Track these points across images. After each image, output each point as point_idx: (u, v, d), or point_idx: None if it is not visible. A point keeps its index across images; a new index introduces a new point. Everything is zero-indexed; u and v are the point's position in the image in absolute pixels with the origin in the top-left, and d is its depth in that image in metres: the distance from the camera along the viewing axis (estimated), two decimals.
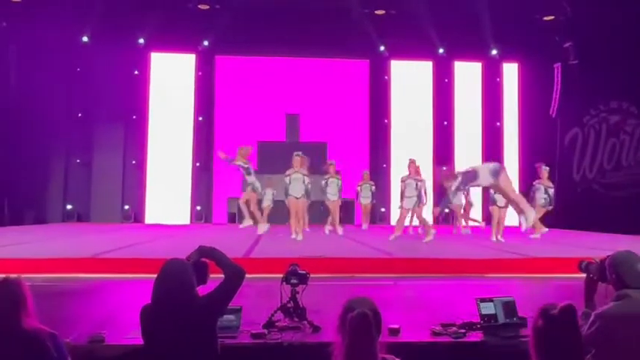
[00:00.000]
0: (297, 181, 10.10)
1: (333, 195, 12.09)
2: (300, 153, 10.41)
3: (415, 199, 10.65)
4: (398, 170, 13.70)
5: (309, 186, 10.27)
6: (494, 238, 10.49)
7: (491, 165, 9.42)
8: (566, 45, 15.57)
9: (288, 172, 10.26)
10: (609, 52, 13.96)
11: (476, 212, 14.75)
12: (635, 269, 2.80)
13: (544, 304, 2.33)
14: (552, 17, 14.42)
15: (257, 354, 3.39)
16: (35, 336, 2.44)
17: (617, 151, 14.41)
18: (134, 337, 3.19)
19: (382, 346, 2.40)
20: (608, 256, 2.96)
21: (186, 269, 2.89)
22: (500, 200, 10.71)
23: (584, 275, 3.09)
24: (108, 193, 16.69)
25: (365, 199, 14.12)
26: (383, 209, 17.02)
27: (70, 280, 6.18)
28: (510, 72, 18.15)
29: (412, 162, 10.95)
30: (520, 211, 9.27)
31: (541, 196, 11.43)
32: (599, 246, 8.76)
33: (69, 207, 16.61)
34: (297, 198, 10.14)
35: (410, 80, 17.84)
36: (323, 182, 12.16)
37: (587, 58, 14.95)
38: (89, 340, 3.33)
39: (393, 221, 13.97)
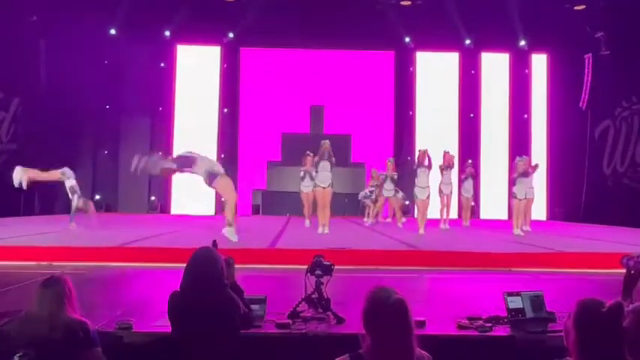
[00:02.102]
0: (324, 170, 10.10)
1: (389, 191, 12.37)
2: (311, 154, 10.71)
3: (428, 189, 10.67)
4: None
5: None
6: (515, 232, 10.31)
7: (211, 166, 8.23)
8: (598, 35, 15.15)
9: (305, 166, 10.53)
10: None
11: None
12: None
13: (584, 299, 2.25)
14: (583, 6, 14.05)
15: (281, 343, 3.40)
16: (73, 325, 2.65)
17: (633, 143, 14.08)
18: (161, 324, 3.24)
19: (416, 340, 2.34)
20: None
21: (215, 258, 2.92)
22: (521, 192, 10.51)
23: (611, 270, 3.03)
24: (135, 184, 16.92)
25: (388, 191, 13.03)
26: (407, 202, 16.89)
27: (99, 269, 6.30)
28: (539, 63, 17.78)
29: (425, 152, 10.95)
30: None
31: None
32: (629, 241, 8.57)
33: (97, 197, 16.92)
34: (324, 188, 10.13)
35: (436, 72, 17.63)
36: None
37: (619, 49, 14.55)
38: (117, 326, 3.39)
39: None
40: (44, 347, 2.53)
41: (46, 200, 14.73)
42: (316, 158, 10.32)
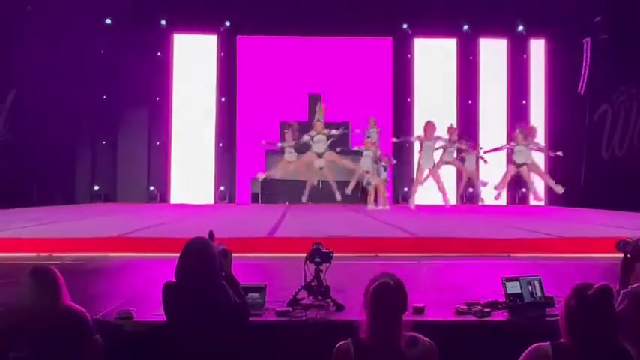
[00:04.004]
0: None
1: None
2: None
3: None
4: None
5: None
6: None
7: None
8: (596, 19, 15.07)
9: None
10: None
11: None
12: None
13: (578, 283, 2.28)
14: None
15: (281, 331, 3.42)
16: (69, 314, 2.62)
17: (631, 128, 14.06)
18: (162, 313, 3.25)
19: (408, 324, 2.42)
20: None
21: (208, 247, 2.92)
22: (519, 158, 10.63)
23: (611, 255, 3.04)
24: (133, 173, 16.97)
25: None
26: (405, 189, 16.92)
27: (99, 259, 6.31)
28: (537, 48, 17.69)
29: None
30: None
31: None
32: (628, 225, 8.59)
33: (96, 188, 16.94)
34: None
35: (434, 58, 17.55)
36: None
37: (618, 33, 14.47)
38: (118, 316, 3.40)
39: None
40: (43, 340, 2.48)
41: (45, 190, 14.70)
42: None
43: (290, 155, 11.90)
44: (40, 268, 2.70)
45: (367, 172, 12.65)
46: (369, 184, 13.12)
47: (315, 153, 12.10)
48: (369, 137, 13.63)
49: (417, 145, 12.91)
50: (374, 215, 11.51)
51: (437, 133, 12.60)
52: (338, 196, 11.66)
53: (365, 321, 2.42)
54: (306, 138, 12.38)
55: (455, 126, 13.63)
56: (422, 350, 2.39)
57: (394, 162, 14.37)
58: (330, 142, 12.17)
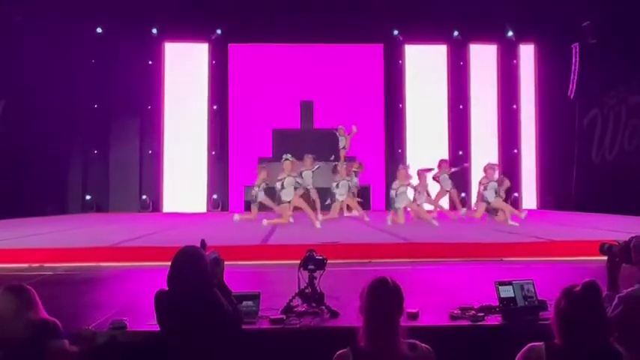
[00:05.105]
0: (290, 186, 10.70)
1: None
2: (289, 157, 10.96)
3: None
4: (413, 155, 13.61)
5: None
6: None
7: None
8: (584, 24, 15.21)
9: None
10: (628, 31, 13.64)
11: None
12: None
13: (567, 285, 2.30)
14: None
15: (276, 339, 3.41)
16: (43, 323, 2.72)
17: (638, 132, 14.14)
18: (155, 323, 3.24)
19: (404, 331, 2.41)
20: (632, 238, 2.91)
21: (199, 255, 2.92)
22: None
23: (604, 258, 3.05)
24: (126, 183, 16.88)
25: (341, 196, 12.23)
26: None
27: (92, 269, 6.27)
28: (527, 54, 17.83)
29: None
30: None
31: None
32: (618, 228, 8.64)
33: (88, 197, 16.83)
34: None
35: (425, 64, 17.63)
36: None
37: (606, 38, 14.61)
38: (111, 326, 3.38)
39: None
40: (11, 347, 2.58)
41: (36, 200, 14.58)
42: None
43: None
44: (17, 285, 2.81)
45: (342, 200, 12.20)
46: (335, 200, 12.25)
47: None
48: (343, 148, 13.42)
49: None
50: (368, 223, 11.51)
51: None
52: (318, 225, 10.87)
53: (362, 327, 2.41)
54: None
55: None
56: (420, 356, 2.39)
57: (364, 170, 13.90)
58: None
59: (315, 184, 12.53)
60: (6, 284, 2.79)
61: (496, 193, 11.09)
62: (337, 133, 13.63)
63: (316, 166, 12.13)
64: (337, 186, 11.92)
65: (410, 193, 11.52)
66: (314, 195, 12.47)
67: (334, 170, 12.29)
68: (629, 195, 13.38)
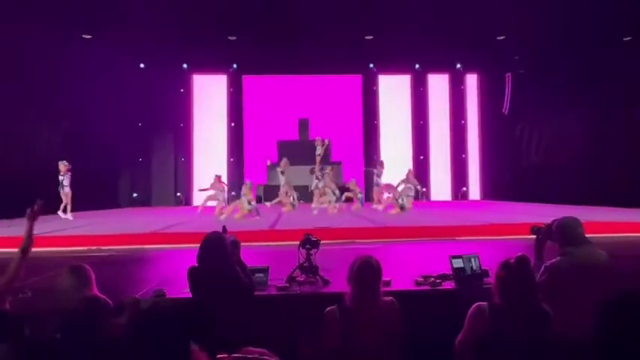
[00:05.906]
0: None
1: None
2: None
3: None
4: (386, 159, 13.59)
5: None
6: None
7: None
8: (515, 58, 15.35)
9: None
10: (548, 64, 13.76)
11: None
12: (576, 231, 2.79)
13: (504, 259, 2.32)
14: (503, 37, 14.16)
15: (281, 302, 3.40)
16: (96, 300, 2.57)
17: (555, 138, 14.30)
18: (188, 291, 3.22)
19: (381, 294, 2.45)
20: (554, 221, 2.93)
21: (222, 238, 2.92)
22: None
23: (533, 237, 3.06)
24: (164, 183, 16.84)
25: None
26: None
27: (138, 251, 6.23)
28: (472, 81, 17.89)
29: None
30: None
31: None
32: (545, 214, 8.70)
33: (135, 195, 16.75)
34: None
35: (394, 90, 17.67)
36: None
37: (533, 68, 14.74)
38: (153, 294, 3.35)
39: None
40: (71, 319, 2.43)
41: (98, 196, 14.23)
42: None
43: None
44: (75, 266, 2.68)
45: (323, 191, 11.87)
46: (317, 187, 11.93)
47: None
48: (318, 154, 13.29)
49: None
50: (352, 213, 11.49)
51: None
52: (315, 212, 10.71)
53: (350, 292, 2.44)
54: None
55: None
56: (387, 304, 2.46)
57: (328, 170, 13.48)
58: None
59: (294, 182, 12.51)
60: (70, 264, 2.70)
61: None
62: (315, 143, 13.66)
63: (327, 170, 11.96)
64: (317, 186, 11.85)
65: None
66: (285, 189, 12.13)
67: (311, 171, 12.37)
68: (550, 187, 13.49)
